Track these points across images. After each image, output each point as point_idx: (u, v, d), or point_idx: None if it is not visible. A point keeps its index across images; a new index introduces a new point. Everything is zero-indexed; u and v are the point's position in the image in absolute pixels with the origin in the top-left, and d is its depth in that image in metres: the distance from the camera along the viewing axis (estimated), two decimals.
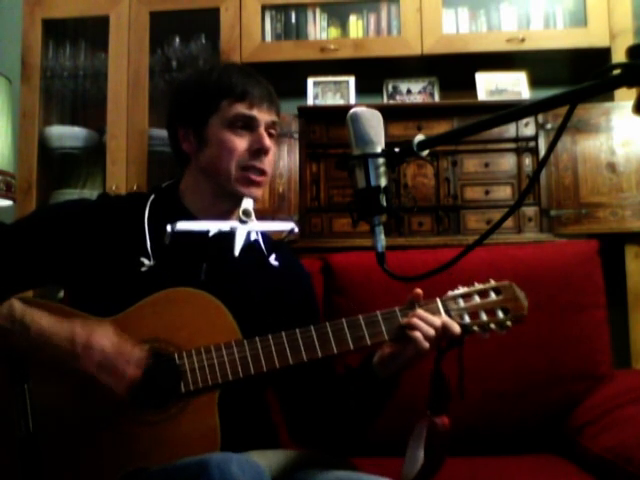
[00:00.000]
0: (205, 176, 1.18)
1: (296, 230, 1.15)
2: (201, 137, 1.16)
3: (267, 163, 1.17)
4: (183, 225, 1.07)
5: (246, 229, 1.11)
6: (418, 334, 1.04)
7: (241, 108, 1.14)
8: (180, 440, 1.01)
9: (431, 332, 1.04)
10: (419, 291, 1.09)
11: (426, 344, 1.03)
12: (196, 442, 1.00)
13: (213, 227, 1.10)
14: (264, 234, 1.26)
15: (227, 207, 1.18)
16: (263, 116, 1.16)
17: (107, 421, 1.00)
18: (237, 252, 1.09)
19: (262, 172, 1.16)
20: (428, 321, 1.05)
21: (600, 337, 1.64)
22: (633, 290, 2.25)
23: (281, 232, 1.17)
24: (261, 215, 1.15)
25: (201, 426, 1.01)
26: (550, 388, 1.59)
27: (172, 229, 1.06)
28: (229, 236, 1.10)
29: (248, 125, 1.15)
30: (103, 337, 1.00)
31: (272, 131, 1.18)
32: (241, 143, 1.14)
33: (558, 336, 1.61)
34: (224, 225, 1.11)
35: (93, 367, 0.98)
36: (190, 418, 1.02)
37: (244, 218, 1.11)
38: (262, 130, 1.16)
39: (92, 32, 2.66)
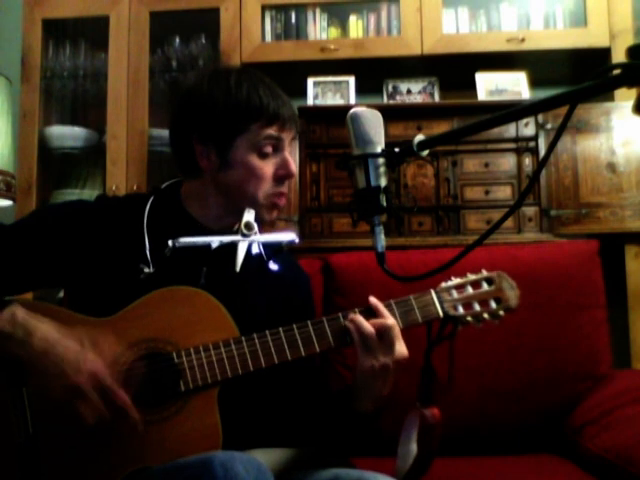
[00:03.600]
0: (220, 192, 1.16)
1: (297, 241, 1.15)
2: (225, 158, 1.13)
3: (288, 185, 1.19)
4: (185, 240, 1.08)
5: (247, 242, 1.11)
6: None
7: (271, 131, 1.13)
8: (181, 439, 1.00)
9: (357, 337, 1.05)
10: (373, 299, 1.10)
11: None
12: (197, 440, 1.00)
13: (215, 241, 1.10)
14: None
15: (234, 220, 1.18)
16: (288, 137, 1.17)
17: (107, 421, 1.00)
18: (238, 267, 1.09)
19: (284, 195, 1.18)
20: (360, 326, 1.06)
21: (600, 337, 1.64)
22: (633, 290, 2.25)
23: (281, 242, 1.17)
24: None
25: (202, 424, 1.01)
26: (550, 388, 1.59)
27: (174, 244, 1.07)
28: (231, 248, 1.10)
29: (275, 147, 1.15)
30: (103, 364, 0.98)
31: (293, 143, 1.20)
32: (268, 169, 1.14)
33: (558, 336, 1.61)
34: (226, 238, 1.11)
35: (87, 388, 0.95)
36: (190, 416, 1.02)
37: (246, 232, 1.11)
38: (287, 153, 1.16)
39: (92, 32, 2.65)
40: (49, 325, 0.99)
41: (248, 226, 1.11)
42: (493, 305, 1.09)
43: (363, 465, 1.14)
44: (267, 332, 1.06)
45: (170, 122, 1.21)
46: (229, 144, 1.13)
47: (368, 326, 1.05)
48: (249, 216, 1.12)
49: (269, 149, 1.14)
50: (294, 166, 1.16)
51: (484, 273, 1.12)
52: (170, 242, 1.07)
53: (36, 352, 0.97)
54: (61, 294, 1.22)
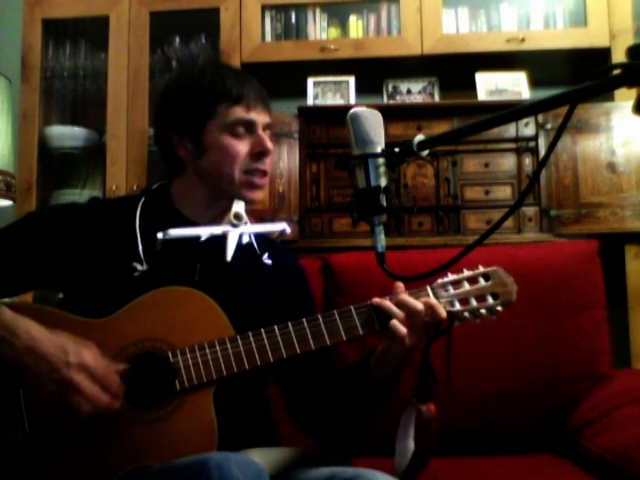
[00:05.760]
0: (202, 181, 1.18)
1: (287, 231, 1.15)
2: (199, 143, 1.15)
3: (268, 164, 1.18)
4: (174, 232, 1.08)
5: (238, 232, 1.11)
6: (394, 320, 1.03)
7: (239, 112, 1.14)
8: (177, 438, 1.01)
9: (401, 315, 1.03)
10: (400, 284, 1.08)
11: (402, 329, 1.02)
12: (193, 439, 1.00)
13: (204, 232, 1.10)
14: (257, 234, 1.26)
15: (222, 208, 1.18)
16: (260, 117, 1.16)
17: (103, 421, 1.00)
18: (229, 257, 1.09)
19: (264, 174, 1.17)
20: (408, 305, 1.04)
21: (600, 337, 1.64)
22: (633, 290, 2.25)
23: (272, 233, 1.17)
24: (261, 215, 1.16)
25: (198, 423, 1.02)
26: (550, 388, 1.59)
27: (163, 237, 1.06)
28: (221, 239, 1.11)
29: (247, 128, 1.15)
30: (91, 354, 0.99)
31: (268, 131, 1.19)
32: (243, 147, 1.15)
33: (558, 336, 1.61)
34: (216, 230, 1.11)
35: (78, 379, 0.96)
36: (186, 415, 1.02)
37: (235, 222, 1.11)
38: (261, 132, 1.16)
39: (92, 32, 2.65)
40: (33, 325, 1.01)
41: (237, 216, 1.12)
42: (490, 300, 1.09)
43: (362, 465, 1.13)
44: (262, 330, 1.06)
45: (153, 125, 1.23)
46: (201, 129, 1.15)
47: (418, 303, 1.04)
48: (238, 206, 1.13)
49: (241, 130, 1.15)
50: (269, 143, 1.16)
51: (481, 269, 1.12)
52: (160, 235, 1.07)
53: (22, 351, 0.98)
54: (61, 295, 1.22)
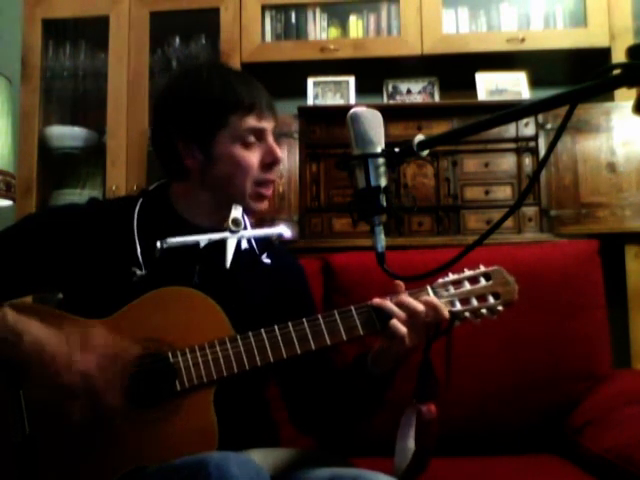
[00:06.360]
0: (208, 189, 1.16)
1: (285, 235, 1.15)
2: (209, 153, 1.13)
3: (276, 172, 1.18)
4: (173, 240, 1.07)
5: (236, 238, 1.11)
6: (394, 321, 1.03)
7: (252, 121, 1.13)
8: (177, 438, 1.01)
9: (402, 315, 1.03)
10: (400, 283, 1.08)
11: (402, 329, 1.02)
12: (193, 440, 1.00)
13: (203, 239, 1.10)
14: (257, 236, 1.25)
15: (224, 214, 1.16)
16: (269, 125, 1.16)
17: (103, 421, 1.00)
18: (228, 264, 1.10)
19: (271, 183, 1.17)
20: (409, 305, 1.04)
21: (600, 337, 1.64)
22: (633, 290, 2.25)
23: (271, 236, 1.17)
24: (261, 216, 1.16)
25: (198, 424, 1.01)
26: (550, 388, 1.59)
27: (161, 245, 1.06)
28: (221, 245, 1.11)
29: (258, 137, 1.15)
30: (99, 338, 1.00)
31: (272, 135, 1.19)
32: (254, 158, 1.14)
33: (558, 336, 1.61)
34: (214, 236, 1.11)
35: (92, 369, 0.97)
36: (186, 416, 1.02)
37: (233, 228, 1.11)
38: (271, 140, 1.16)
39: (92, 32, 2.66)
40: (38, 325, 1.00)
41: (235, 222, 1.11)
42: (491, 300, 1.08)
43: (362, 465, 1.14)
44: (262, 330, 1.05)
45: (151, 127, 1.23)
46: (211, 139, 1.13)
47: (419, 304, 1.03)
48: (236, 212, 1.12)
49: (252, 139, 1.14)
50: (279, 152, 1.16)
51: (482, 269, 1.11)
52: (158, 243, 1.07)
53: (27, 354, 0.98)
54: (60, 295, 1.22)
